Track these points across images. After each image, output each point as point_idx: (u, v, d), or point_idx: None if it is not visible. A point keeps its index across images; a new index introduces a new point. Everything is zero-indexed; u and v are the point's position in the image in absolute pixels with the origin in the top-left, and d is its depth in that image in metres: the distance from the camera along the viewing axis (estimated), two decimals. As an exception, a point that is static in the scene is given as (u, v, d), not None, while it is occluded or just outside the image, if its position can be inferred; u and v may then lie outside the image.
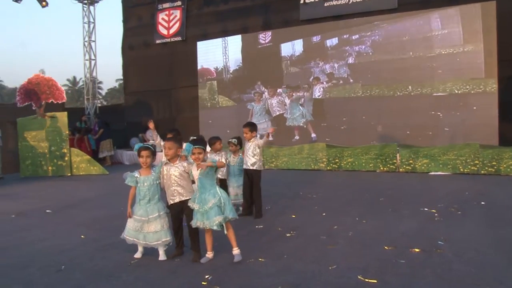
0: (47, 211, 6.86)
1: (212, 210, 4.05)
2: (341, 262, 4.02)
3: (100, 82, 68.27)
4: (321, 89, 12.15)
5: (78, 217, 6.36)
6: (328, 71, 12.07)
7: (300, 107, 12.40)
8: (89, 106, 15.57)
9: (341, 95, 11.94)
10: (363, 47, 11.49)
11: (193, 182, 4.39)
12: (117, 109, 17.01)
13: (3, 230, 5.76)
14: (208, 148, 5.91)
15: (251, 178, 6.00)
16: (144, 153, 4.35)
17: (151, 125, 5.89)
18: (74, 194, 8.45)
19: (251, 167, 5.96)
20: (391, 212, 5.95)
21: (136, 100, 16.40)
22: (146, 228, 4.36)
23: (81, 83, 44.87)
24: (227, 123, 13.03)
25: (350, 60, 11.71)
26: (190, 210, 4.25)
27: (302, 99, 12.43)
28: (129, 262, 4.32)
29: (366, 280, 3.55)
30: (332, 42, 11.94)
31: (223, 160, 6.11)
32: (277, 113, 12.79)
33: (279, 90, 12.69)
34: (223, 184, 6.28)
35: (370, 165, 10.19)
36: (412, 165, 9.68)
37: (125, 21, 16.39)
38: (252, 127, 6.05)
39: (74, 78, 57.19)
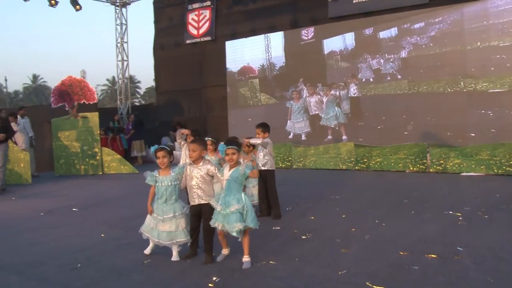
0: (74, 209, 7.08)
1: (234, 215, 4.00)
2: (352, 267, 3.93)
3: (138, 82, 70.10)
4: (355, 87, 11.68)
5: (102, 216, 6.53)
6: (375, 67, 11.46)
7: (336, 107, 11.95)
8: (122, 106, 15.94)
9: (386, 92, 11.25)
10: (419, 39, 10.74)
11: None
12: (148, 109, 17.35)
13: (30, 227, 5.98)
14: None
15: (264, 179, 5.97)
16: (159, 153, 4.41)
17: (185, 131, 6.27)
18: (102, 192, 8.68)
19: (262, 168, 5.93)
20: (413, 215, 5.78)
21: (167, 100, 16.68)
22: (161, 227, 4.43)
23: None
24: (267, 121, 12.82)
25: (403, 54, 10.97)
26: (208, 214, 4.27)
27: (338, 98, 11.99)
28: (143, 261, 4.40)
29: (374, 286, 3.45)
30: (384, 34, 11.33)
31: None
32: (314, 112, 12.44)
33: (318, 87, 12.34)
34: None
35: (399, 165, 9.93)
36: (443, 165, 9.36)
37: (156, 21, 16.67)
38: (265, 127, 6.01)
39: (113, 78, 58.86)
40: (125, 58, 15.94)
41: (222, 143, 4.25)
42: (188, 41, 15.62)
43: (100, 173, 11.58)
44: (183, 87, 15.84)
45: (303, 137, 12.55)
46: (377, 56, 11.42)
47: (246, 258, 4.09)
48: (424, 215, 5.75)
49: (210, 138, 6.24)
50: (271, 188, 5.97)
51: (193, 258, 4.40)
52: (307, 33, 12.63)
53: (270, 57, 13.34)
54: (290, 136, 12.60)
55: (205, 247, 4.34)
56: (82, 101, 11.47)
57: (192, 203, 4.41)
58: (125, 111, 15.92)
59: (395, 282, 3.52)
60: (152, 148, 4.59)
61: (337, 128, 12.01)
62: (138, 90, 72.98)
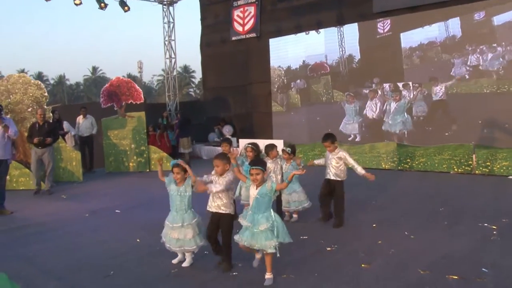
0: (116, 211, 7.51)
1: (264, 234, 4.06)
2: (370, 286, 3.96)
3: (193, 71, 71.52)
4: (440, 88, 10.69)
5: (141, 219, 6.88)
6: (474, 63, 10.21)
7: (405, 114, 11.27)
8: (170, 103, 16.45)
9: (472, 91, 10.26)
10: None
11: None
12: (196, 105, 17.77)
13: (75, 230, 6.43)
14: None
15: (332, 188, 6.02)
16: (174, 170, 4.67)
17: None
18: (145, 192, 9.10)
19: (333, 178, 5.98)
20: (445, 227, 5.65)
21: (214, 96, 17.01)
22: (171, 234, 4.71)
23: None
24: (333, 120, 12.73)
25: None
26: (227, 227, 4.46)
27: (413, 100, 11.17)
28: (170, 270, 4.64)
29: (386, 310, 3.48)
30: (468, 26, 10.19)
31: (279, 167, 6.32)
32: (370, 116, 12.03)
33: (387, 92, 11.68)
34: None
35: (444, 166, 9.63)
36: (489, 167, 8.98)
37: (203, 19, 16.98)
38: (333, 138, 6.02)
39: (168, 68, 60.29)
40: (172, 55, 16.37)
41: (247, 163, 4.34)
42: (233, 38, 15.80)
43: (147, 170, 12.09)
44: (229, 84, 16.09)
45: (350, 138, 12.42)
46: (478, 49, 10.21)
47: (268, 275, 4.18)
48: (457, 227, 5.62)
49: (250, 145, 6.43)
50: (339, 198, 5.99)
51: (218, 268, 4.57)
52: (383, 26, 11.87)
53: (344, 51, 12.75)
54: (350, 138, 12.43)
55: (225, 256, 4.53)
56: (130, 101, 11.97)
57: (209, 210, 4.59)
58: (173, 108, 16.42)
59: (408, 307, 3.52)
60: (172, 163, 4.80)
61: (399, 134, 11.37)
62: (192, 79, 74.63)
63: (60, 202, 8.49)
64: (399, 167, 10.32)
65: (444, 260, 4.48)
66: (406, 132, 11.26)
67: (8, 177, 9.52)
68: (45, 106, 10.14)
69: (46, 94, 10.19)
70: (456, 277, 4.02)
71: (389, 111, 11.61)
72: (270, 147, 6.39)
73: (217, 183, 4.44)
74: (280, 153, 6.49)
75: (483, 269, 4.18)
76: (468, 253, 4.65)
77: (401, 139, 11.30)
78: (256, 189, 4.13)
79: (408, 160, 10.22)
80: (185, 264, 4.73)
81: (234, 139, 14.59)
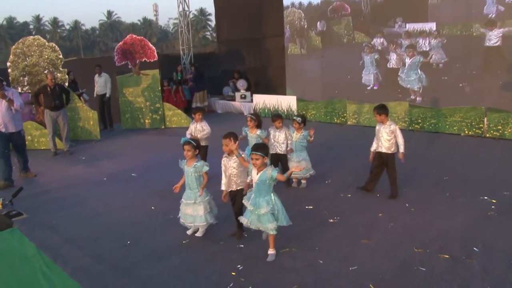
0: (133, 174, 7.89)
1: (265, 217, 4.35)
2: (364, 263, 4.26)
3: (209, 14, 70.09)
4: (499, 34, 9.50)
5: (156, 184, 7.24)
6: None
7: (419, 70, 10.95)
8: (185, 56, 16.46)
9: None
10: None
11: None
12: (210, 57, 17.73)
13: (94, 195, 6.86)
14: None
15: (385, 161, 6.08)
16: (185, 147, 4.92)
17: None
18: (160, 152, 9.45)
19: (385, 151, 6.01)
20: (446, 200, 5.85)
21: (228, 49, 16.94)
22: (184, 210, 5.09)
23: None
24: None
25: None
26: (238, 198, 4.82)
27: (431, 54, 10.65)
28: (182, 241, 5.02)
29: (376, 289, 3.79)
30: None
31: (283, 136, 6.55)
32: (391, 66, 11.56)
33: (402, 47, 11.22)
34: (283, 159, 6.71)
35: (454, 128, 9.68)
36: (500, 131, 9.01)
37: (217, -32, 16.56)
38: (383, 110, 5.97)
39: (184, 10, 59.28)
40: (186, 8, 16.19)
41: (249, 147, 4.54)
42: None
43: (162, 127, 12.41)
44: (243, 36, 15.96)
45: (369, 87, 12.09)
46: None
47: (271, 251, 4.49)
48: (457, 200, 5.81)
49: (250, 115, 6.64)
50: (392, 171, 6.06)
51: (231, 238, 4.98)
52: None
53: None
54: (369, 87, 12.10)
55: (237, 223, 4.92)
56: (144, 59, 12.08)
57: (230, 189, 4.95)
58: (187, 61, 16.45)
59: (397, 287, 3.81)
60: (182, 140, 5.03)
61: (420, 91, 11.03)
62: (209, 22, 73.28)
63: (80, 164, 8.91)
64: (410, 128, 10.40)
65: (439, 237, 4.72)
66: (421, 89, 11.03)
67: (29, 136, 10.00)
68: (61, 68, 10.34)
69: (61, 56, 10.36)
70: (447, 256, 4.28)
71: (404, 66, 11.37)
72: (276, 117, 6.62)
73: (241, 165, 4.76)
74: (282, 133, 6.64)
75: (474, 248, 4.42)
76: (463, 230, 4.87)
77: (416, 93, 11.15)
78: (257, 174, 4.35)
79: (420, 121, 10.27)
80: (198, 234, 5.12)
81: (248, 93, 14.76)
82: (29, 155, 8.30)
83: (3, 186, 7.19)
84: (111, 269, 4.44)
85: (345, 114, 11.77)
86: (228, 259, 4.53)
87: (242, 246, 4.82)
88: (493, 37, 9.63)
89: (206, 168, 4.94)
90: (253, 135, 6.48)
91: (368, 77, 12.09)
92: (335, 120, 12.00)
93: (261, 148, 4.40)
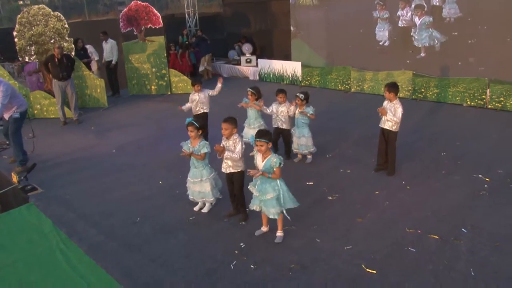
0: (140, 147, 8.15)
1: (271, 202, 4.55)
2: (358, 243, 4.57)
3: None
4: None
5: (163, 156, 7.52)
6: None
7: (430, 29, 10.60)
8: (190, 19, 16.33)
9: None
10: None
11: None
12: (217, 19, 17.54)
13: (105, 168, 7.16)
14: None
15: (386, 138, 6.23)
16: (189, 128, 5.15)
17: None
18: (167, 121, 9.68)
19: (387, 128, 6.15)
20: (442, 177, 6.08)
21: (234, 11, 16.76)
22: (192, 187, 5.41)
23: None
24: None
25: None
26: (238, 181, 5.06)
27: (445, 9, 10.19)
28: (189, 218, 5.35)
29: (368, 270, 4.11)
30: None
31: (286, 110, 6.76)
32: (401, 25, 11.19)
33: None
34: (286, 133, 6.94)
35: (457, 98, 9.78)
36: (502, 103, 9.10)
37: None
38: (394, 88, 6.00)
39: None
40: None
41: (253, 134, 4.71)
42: None
43: (169, 93, 12.58)
44: (249, -2, 15.78)
45: (381, 43, 11.66)
46: None
47: (279, 233, 4.75)
48: (453, 177, 6.04)
49: (250, 89, 6.87)
50: (391, 147, 6.21)
51: (234, 218, 5.27)
52: None
53: None
54: (380, 43, 11.69)
55: (240, 208, 5.19)
56: (149, 26, 12.07)
57: (224, 171, 5.16)
58: (193, 24, 16.35)
59: (388, 267, 4.13)
60: (186, 120, 5.24)
61: (437, 49, 10.60)
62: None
63: (89, 134, 9.17)
64: (413, 96, 10.50)
65: (431, 217, 4.99)
66: (436, 46, 10.62)
67: (39, 106, 10.24)
68: (67, 38, 10.41)
69: (66, 25, 10.36)
70: (436, 237, 4.57)
71: (415, 26, 11.03)
72: (279, 91, 6.82)
73: (234, 152, 4.90)
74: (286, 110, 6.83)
75: (462, 229, 4.70)
76: (455, 210, 5.13)
77: (427, 51, 10.84)
78: (262, 161, 4.55)
79: (423, 90, 10.35)
80: (204, 210, 5.46)
81: (253, 58, 14.76)
82: (39, 124, 8.57)
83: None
84: (123, 246, 4.79)
85: (349, 81, 11.84)
86: (231, 237, 4.86)
87: (244, 223, 5.14)
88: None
89: (205, 150, 5.17)
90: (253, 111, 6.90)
91: (383, 33, 11.63)
92: (339, 87, 12.08)
93: (265, 134, 4.55)
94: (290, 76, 13.11)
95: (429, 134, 7.97)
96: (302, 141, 6.85)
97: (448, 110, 9.49)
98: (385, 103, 6.15)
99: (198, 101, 7.45)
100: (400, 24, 11.32)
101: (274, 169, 4.47)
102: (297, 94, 6.77)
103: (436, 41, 10.64)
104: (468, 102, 9.62)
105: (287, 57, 14.00)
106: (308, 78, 12.74)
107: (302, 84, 12.88)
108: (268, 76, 13.66)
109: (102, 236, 5.02)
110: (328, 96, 11.46)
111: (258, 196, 4.63)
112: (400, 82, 10.63)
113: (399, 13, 11.26)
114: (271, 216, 4.63)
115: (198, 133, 5.22)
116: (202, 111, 7.48)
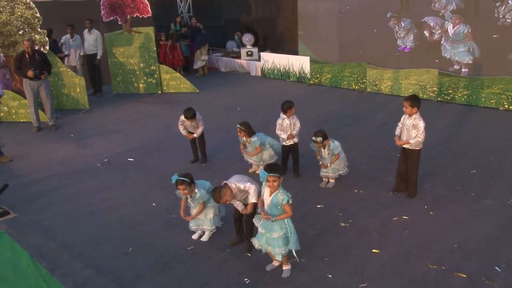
0: (129, 159, 8.33)
1: (277, 241, 4.76)
2: (373, 279, 4.72)
3: None
4: None
5: (156, 171, 7.72)
6: None
7: (468, 42, 10.40)
8: (182, 4, 16.48)
9: None
10: None
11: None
12: (212, 5, 17.64)
13: (89, 187, 7.34)
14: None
15: (407, 156, 6.30)
16: (179, 187, 5.32)
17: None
18: (158, 127, 9.87)
19: (407, 146, 6.24)
20: (470, 200, 6.18)
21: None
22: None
23: None
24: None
25: None
26: (250, 213, 5.22)
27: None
28: (186, 248, 5.53)
29: (386, 314, 4.29)
30: None
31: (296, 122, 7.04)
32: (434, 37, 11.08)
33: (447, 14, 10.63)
34: (294, 149, 7.23)
35: (492, 101, 9.92)
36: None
37: None
38: (417, 102, 6.04)
39: None
40: None
41: (262, 169, 4.88)
42: None
43: (159, 92, 12.75)
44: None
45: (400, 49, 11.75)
46: None
47: (286, 267, 4.98)
48: (483, 201, 6.14)
49: (239, 126, 7.05)
50: (412, 168, 6.32)
51: (235, 247, 5.48)
52: None
53: None
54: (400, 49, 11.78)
55: (246, 237, 5.41)
56: (135, 15, 12.21)
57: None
58: (185, 9, 16.49)
59: (408, 310, 4.32)
60: (173, 178, 5.35)
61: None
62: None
63: (69, 144, 9.34)
64: (439, 98, 10.65)
65: (457, 250, 5.10)
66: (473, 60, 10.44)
67: (6, 108, 10.31)
68: (39, 29, 10.45)
69: (38, 14, 10.35)
70: (464, 276, 4.70)
71: (448, 35, 10.74)
72: (287, 104, 7.01)
73: (253, 196, 5.13)
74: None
75: (496, 267, 4.79)
76: (485, 242, 5.21)
77: (463, 65, 10.60)
78: (270, 196, 4.72)
79: (450, 91, 10.50)
80: (204, 239, 5.68)
81: (255, 50, 14.92)
82: (7, 130, 8.55)
83: None
84: (114, 282, 4.97)
85: (364, 80, 11.99)
86: (235, 271, 5.05)
87: (249, 254, 5.32)
88: None
89: (201, 200, 5.47)
90: (249, 143, 7.14)
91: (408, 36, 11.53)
92: (353, 86, 12.23)
93: (277, 168, 4.75)
94: (297, 72, 13.27)
95: (457, 146, 8.11)
96: (333, 164, 6.88)
97: (480, 115, 9.61)
98: (404, 118, 6.22)
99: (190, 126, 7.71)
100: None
101: (282, 206, 4.67)
102: (313, 138, 6.66)
103: (475, 54, 10.39)
104: (506, 106, 9.75)
105: (293, 51, 14.04)
106: (318, 76, 12.90)
107: (311, 82, 13.05)
108: (272, 72, 13.84)
109: (89, 270, 5.20)
110: (340, 97, 11.65)
111: (264, 233, 4.83)
112: (424, 82, 10.83)
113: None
114: (276, 257, 4.84)
115: (192, 188, 5.39)
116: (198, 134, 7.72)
